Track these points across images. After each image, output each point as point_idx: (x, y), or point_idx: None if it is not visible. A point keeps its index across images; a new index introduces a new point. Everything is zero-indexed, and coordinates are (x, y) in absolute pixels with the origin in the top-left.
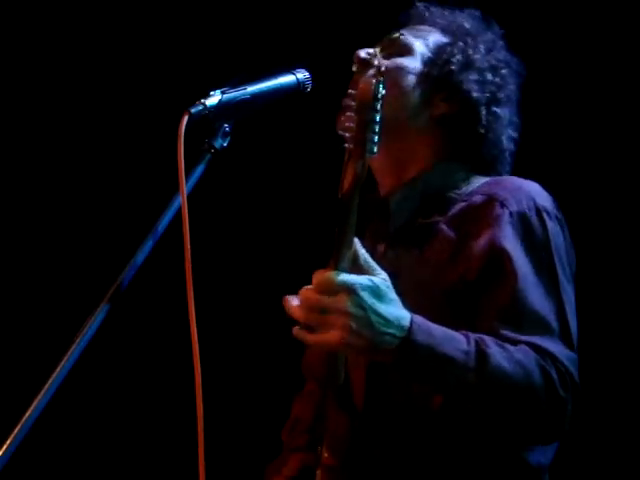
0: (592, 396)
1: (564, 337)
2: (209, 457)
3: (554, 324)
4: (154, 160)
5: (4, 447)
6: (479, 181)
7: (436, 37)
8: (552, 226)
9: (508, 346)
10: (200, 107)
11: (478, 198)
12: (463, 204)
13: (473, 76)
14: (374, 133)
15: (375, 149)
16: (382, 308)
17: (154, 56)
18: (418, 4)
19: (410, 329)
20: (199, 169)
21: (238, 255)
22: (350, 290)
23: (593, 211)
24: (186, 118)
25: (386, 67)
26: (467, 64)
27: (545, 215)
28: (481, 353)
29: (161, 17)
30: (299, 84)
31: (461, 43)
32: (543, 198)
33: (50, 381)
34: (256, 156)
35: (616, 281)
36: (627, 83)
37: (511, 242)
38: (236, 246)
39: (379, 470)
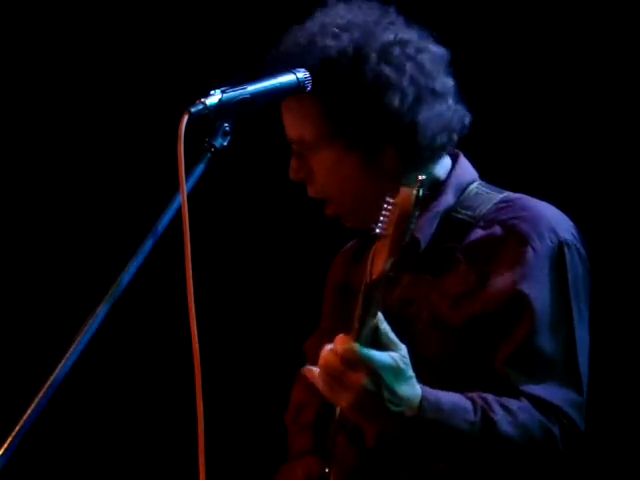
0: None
1: (573, 381)
2: (209, 457)
3: (562, 367)
4: (154, 160)
5: (4, 447)
6: (490, 199)
7: (315, 109)
8: (572, 260)
9: (513, 406)
10: (200, 106)
11: (497, 230)
12: (480, 233)
13: (390, 96)
14: (410, 232)
15: (408, 239)
16: (397, 387)
17: (154, 56)
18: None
19: (420, 407)
20: (199, 168)
21: (238, 255)
22: (370, 368)
23: (593, 212)
24: (186, 117)
25: (317, 166)
26: (366, 97)
27: (566, 249)
28: (487, 422)
29: (161, 17)
30: (299, 84)
31: (347, 83)
32: (564, 228)
33: (50, 381)
34: (256, 156)
35: (616, 282)
36: (626, 83)
37: (531, 283)
38: (236, 246)
39: None
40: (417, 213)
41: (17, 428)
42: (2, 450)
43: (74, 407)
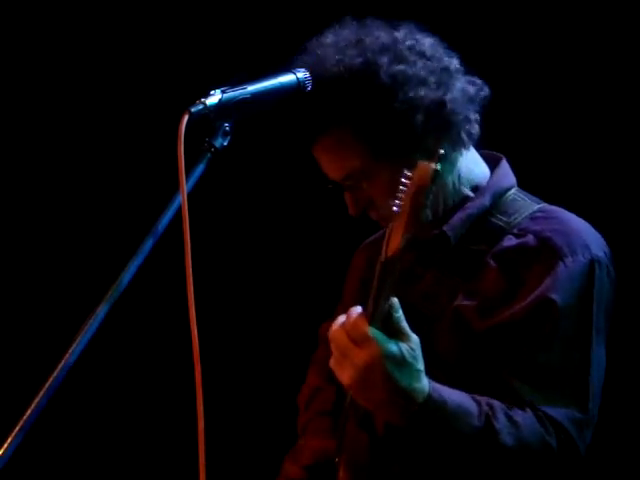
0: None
1: (578, 399)
2: (209, 457)
3: (571, 384)
4: (154, 159)
5: (4, 447)
6: (527, 207)
7: (349, 137)
8: (601, 278)
9: (517, 417)
10: (200, 106)
11: (531, 240)
12: (514, 241)
13: (418, 116)
14: (426, 208)
15: (426, 216)
16: (398, 377)
17: (154, 56)
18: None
19: (425, 404)
20: (199, 168)
21: (238, 254)
22: (374, 350)
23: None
24: (186, 117)
25: (376, 185)
26: (398, 106)
27: (597, 267)
28: (489, 429)
29: (161, 17)
30: (299, 83)
31: (380, 121)
32: (597, 246)
33: (50, 381)
34: (256, 155)
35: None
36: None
37: (560, 293)
38: (236, 245)
39: None
40: (434, 188)
41: (17, 428)
42: (2, 450)
43: (74, 407)
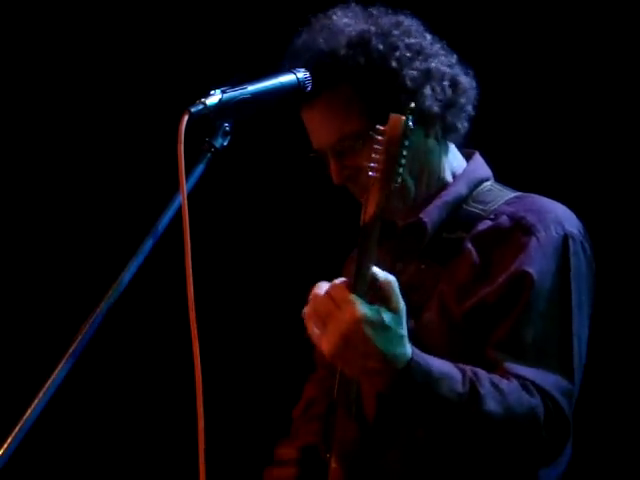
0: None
1: (563, 367)
2: (209, 457)
3: (555, 353)
4: (154, 159)
5: (4, 447)
6: (503, 195)
7: (349, 102)
8: (576, 252)
9: (502, 385)
10: (200, 106)
11: (504, 220)
12: (489, 223)
13: (426, 91)
14: (400, 165)
15: (399, 180)
16: (378, 342)
17: (154, 56)
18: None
19: (408, 368)
20: (199, 168)
21: (238, 254)
22: (354, 314)
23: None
24: (186, 117)
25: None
26: (403, 83)
27: (571, 242)
28: (474, 395)
29: (161, 17)
30: (299, 83)
31: (385, 69)
32: (571, 223)
33: (50, 381)
34: (256, 155)
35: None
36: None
37: (534, 266)
38: (236, 245)
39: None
40: (407, 143)
41: (17, 428)
42: (2, 450)
43: (74, 407)
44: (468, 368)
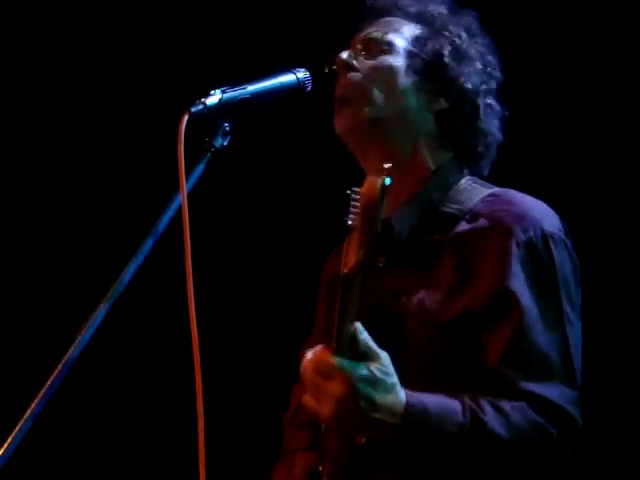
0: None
1: (567, 376)
2: (209, 457)
3: (557, 363)
4: (154, 159)
5: (4, 447)
6: (478, 193)
7: (412, 29)
8: (559, 254)
9: (505, 406)
10: (200, 106)
11: (483, 222)
12: (466, 226)
13: (466, 67)
14: (379, 222)
15: (379, 229)
16: (375, 396)
17: (154, 56)
18: None
19: (405, 414)
20: (199, 168)
21: (238, 254)
22: (345, 379)
23: (590, 214)
24: (186, 117)
25: (374, 68)
26: (457, 55)
27: (552, 243)
28: (476, 423)
29: (161, 17)
30: (299, 83)
31: (445, 32)
32: (550, 223)
33: (50, 381)
34: (256, 155)
35: (614, 285)
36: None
37: (517, 277)
38: (236, 245)
39: None
40: (384, 202)
41: (17, 428)
42: (2, 450)
43: (75, 407)
44: (466, 397)
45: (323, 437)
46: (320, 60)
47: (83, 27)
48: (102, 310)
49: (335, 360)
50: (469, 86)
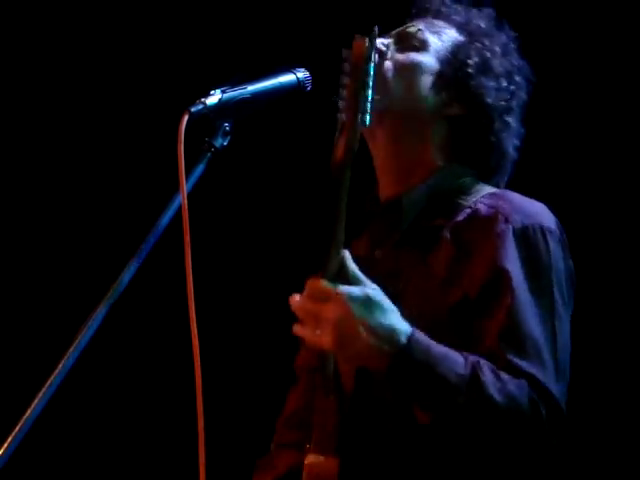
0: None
1: (556, 367)
2: (209, 457)
3: (548, 353)
4: (154, 159)
5: (4, 447)
6: (485, 190)
7: (452, 35)
8: (554, 248)
9: (504, 376)
10: (200, 106)
11: (483, 209)
12: (468, 211)
13: (489, 81)
14: (367, 100)
15: (368, 120)
16: (372, 320)
17: (154, 56)
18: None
19: (409, 345)
20: (199, 168)
21: (238, 254)
22: (339, 299)
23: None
24: (186, 117)
25: (401, 62)
26: (484, 67)
27: (549, 236)
28: (475, 380)
29: (161, 17)
30: (299, 83)
31: (478, 44)
32: (548, 219)
33: (50, 381)
34: (256, 155)
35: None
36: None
37: (512, 262)
38: (236, 245)
39: (367, 463)
40: (372, 70)
41: (17, 428)
42: (2, 450)
43: (74, 407)
44: (470, 355)
45: (309, 413)
46: (320, 60)
47: (83, 27)
48: (102, 310)
49: (327, 283)
50: (488, 100)
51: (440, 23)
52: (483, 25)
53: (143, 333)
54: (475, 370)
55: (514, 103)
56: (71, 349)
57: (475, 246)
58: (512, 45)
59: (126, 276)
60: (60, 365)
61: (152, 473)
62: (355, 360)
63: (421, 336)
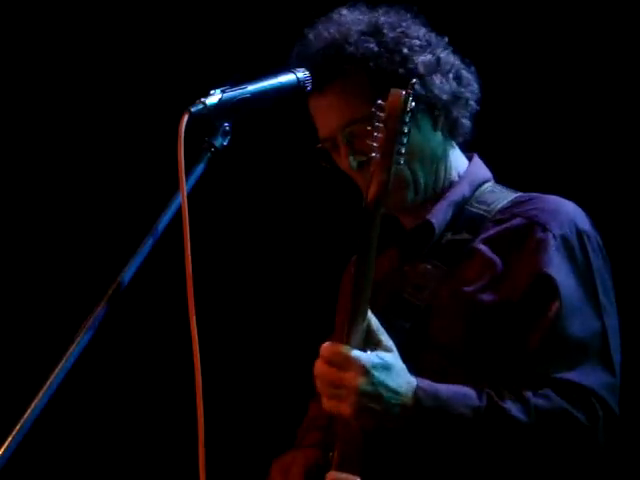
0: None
1: (605, 363)
2: (209, 457)
3: (595, 350)
4: (154, 159)
5: (4, 447)
6: (505, 196)
7: (363, 76)
8: (593, 249)
9: (526, 394)
10: (200, 106)
11: (517, 221)
12: (499, 227)
13: (434, 75)
14: (402, 144)
15: (402, 161)
16: (391, 382)
17: (154, 56)
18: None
19: (416, 396)
20: (199, 168)
21: (238, 254)
22: (361, 368)
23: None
24: (186, 117)
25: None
26: (420, 75)
27: (586, 238)
28: (493, 407)
29: (161, 17)
30: (299, 83)
31: (397, 55)
32: (582, 220)
33: (49, 381)
34: (256, 155)
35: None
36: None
37: (556, 267)
38: (236, 245)
39: (391, 475)
40: (408, 116)
41: (17, 428)
42: (2, 450)
43: (74, 407)
44: (485, 386)
45: (332, 424)
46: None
47: (82, 27)
48: (102, 310)
49: (347, 350)
50: (443, 96)
51: (343, 86)
52: (372, 45)
53: (143, 333)
54: (491, 398)
55: (454, 73)
56: (71, 349)
57: (516, 257)
58: (405, 25)
59: (126, 276)
60: (60, 365)
61: (152, 473)
62: (378, 421)
63: (425, 383)
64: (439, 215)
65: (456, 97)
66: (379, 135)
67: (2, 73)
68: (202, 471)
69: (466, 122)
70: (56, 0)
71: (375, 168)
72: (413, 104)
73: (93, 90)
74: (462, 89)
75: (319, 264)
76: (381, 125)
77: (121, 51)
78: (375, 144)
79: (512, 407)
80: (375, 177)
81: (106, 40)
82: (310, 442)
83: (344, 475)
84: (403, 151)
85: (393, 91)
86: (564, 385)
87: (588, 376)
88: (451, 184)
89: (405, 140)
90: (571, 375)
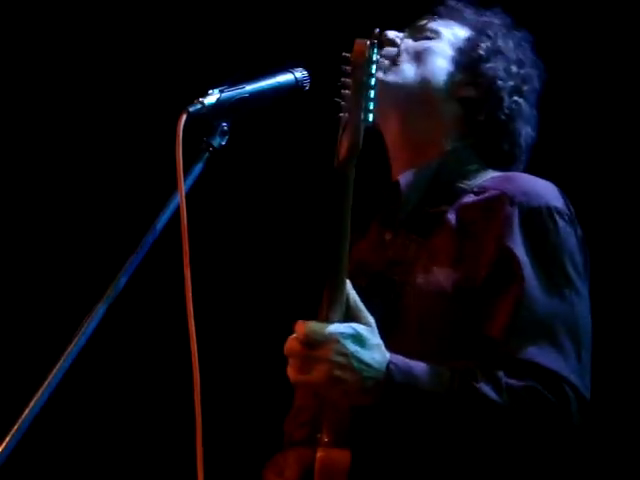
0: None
1: (573, 344)
2: (208, 457)
3: (562, 331)
4: (152, 159)
5: (2, 446)
6: (490, 174)
7: (464, 30)
8: (563, 226)
9: (498, 374)
10: (198, 106)
11: (489, 194)
12: (472, 197)
13: (500, 64)
14: (369, 100)
15: (371, 118)
16: (364, 354)
17: (153, 56)
18: (448, 1)
19: (388, 371)
20: (197, 168)
21: (237, 254)
22: (333, 340)
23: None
24: (184, 117)
25: (414, 47)
26: (495, 51)
27: (556, 215)
28: (466, 385)
29: (161, 17)
30: (297, 83)
31: (490, 34)
32: (554, 197)
33: (48, 381)
34: (255, 155)
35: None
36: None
37: (520, 245)
38: (235, 245)
39: (380, 455)
40: (373, 70)
41: (16, 427)
42: (1, 449)
43: (73, 407)
44: (458, 366)
45: (320, 404)
46: (319, 60)
47: (82, 27)
48: (100, 310)
49: (319, 326)
50: (499, 82)
51: (453, 22)
52: (496, 22)
53: (141, 333)
54: (463, 377)
55: (525, 88)
56: (69, 349)
57: (481, 228)
58: (525, 42)
59: (124, 276)
60: (58, 365)
61: (152, 473)
62: (350, 394)
63: (398, 359)
64: (408, 178)
65: (506, 121)
66: (347, 92)
67: (2, 73)
68: (200, 471)
69: (494, 144)
70: (56, 0)
71: (346, 129)
72: (377, 56)
73: (92, 90)
74: (515, 120)
75: (319, 264)
76: (349, 80)
77: (120, 51)
78: (344, 103)
79: (484, 387)
80: (345, 137)
81: (105, 40)
82: (298, 438)
83: (334, 450)
84: (372, 107)
85: (357, 41)
86: (533, 367)
87: (554, 360)
88: (436, 154)
89: (372, 94)
90: (538, 358)
